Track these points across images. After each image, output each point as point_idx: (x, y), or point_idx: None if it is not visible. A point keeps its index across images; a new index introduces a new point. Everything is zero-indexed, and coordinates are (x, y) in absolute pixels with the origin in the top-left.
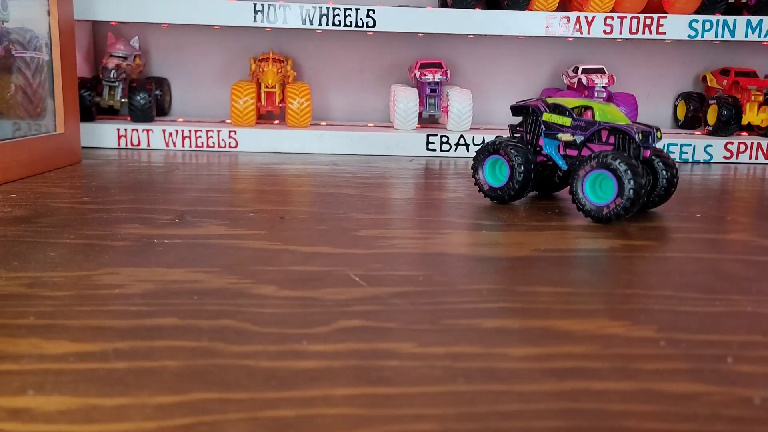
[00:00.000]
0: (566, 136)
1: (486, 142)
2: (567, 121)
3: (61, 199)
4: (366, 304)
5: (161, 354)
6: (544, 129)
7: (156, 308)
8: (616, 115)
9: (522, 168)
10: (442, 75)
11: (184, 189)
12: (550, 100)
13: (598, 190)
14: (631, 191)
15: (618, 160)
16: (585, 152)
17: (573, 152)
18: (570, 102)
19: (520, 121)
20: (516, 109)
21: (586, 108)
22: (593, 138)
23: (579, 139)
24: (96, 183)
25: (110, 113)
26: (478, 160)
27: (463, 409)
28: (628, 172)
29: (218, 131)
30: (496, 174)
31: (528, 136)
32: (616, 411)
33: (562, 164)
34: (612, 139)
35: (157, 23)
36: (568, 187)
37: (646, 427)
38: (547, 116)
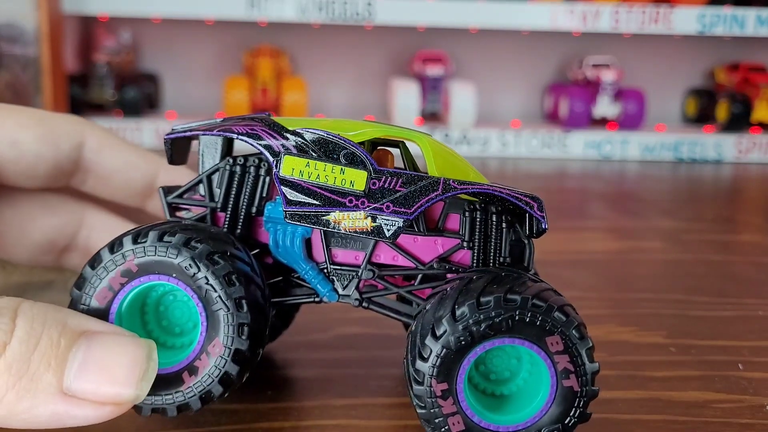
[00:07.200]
0: (349, 218)
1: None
2: (354, 177)
3: None
4: (365, 310)
5: None
6: (285, 198)
7: None
8: (458, 166)
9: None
10: (443, 68)
11: None
12: (286, 122)
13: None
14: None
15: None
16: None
17: (350, 260)
18: (344, 126)
19: (196, 179)
20: (179, 146)
21: (385, 144)
22: (418, 223)
23: (391, 224)
24: None
25: (100, 109)
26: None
27: None
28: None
29: None
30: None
31: (226, 215)
32: (624, 420)
33: (326, 291)
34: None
35: (148, 18)
36: None
37: None
38: (293, 162)
